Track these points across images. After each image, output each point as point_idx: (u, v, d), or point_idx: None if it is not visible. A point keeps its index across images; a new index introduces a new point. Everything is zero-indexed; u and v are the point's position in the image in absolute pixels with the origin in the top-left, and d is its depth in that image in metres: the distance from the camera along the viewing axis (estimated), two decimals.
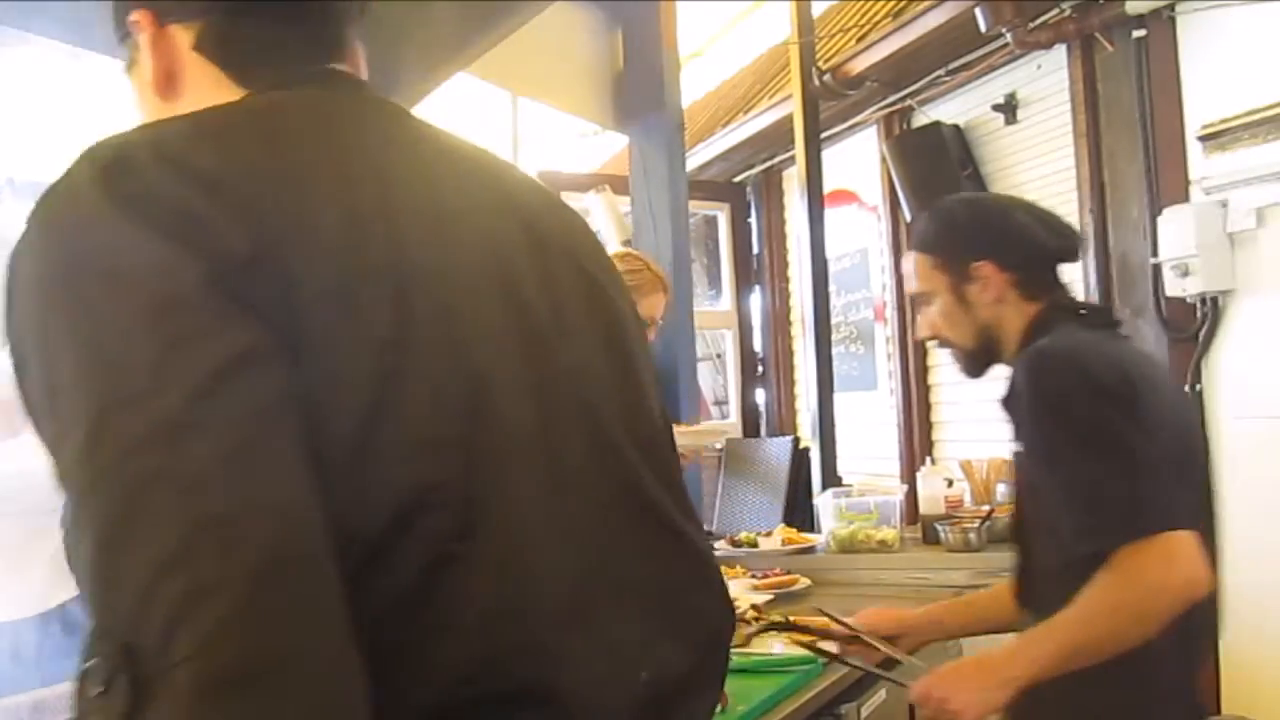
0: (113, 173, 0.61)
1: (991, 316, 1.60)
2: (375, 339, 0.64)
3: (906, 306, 4.40)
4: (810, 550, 2.82)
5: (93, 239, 0.60)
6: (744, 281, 5.47)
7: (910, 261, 1.69)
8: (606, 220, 4.24)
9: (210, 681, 0.51)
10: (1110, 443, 1.37)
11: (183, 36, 0.78)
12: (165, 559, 0.53)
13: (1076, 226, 3.40)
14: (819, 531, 3.16)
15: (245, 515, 0.55)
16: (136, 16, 0.79)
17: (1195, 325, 3.04)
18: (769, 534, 2.95)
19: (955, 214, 1.69)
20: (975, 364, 1.67)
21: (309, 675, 0.55)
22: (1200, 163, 3.01)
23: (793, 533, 2.95)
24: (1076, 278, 3.44)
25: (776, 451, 4.72)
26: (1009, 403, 1.49)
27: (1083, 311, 1.60)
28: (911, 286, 1.70)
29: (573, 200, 4.59)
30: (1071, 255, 1.64)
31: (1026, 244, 1.60)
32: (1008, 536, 1.69)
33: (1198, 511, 1.45)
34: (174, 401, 0.56)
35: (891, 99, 4.25)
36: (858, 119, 4.49)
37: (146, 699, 0.51)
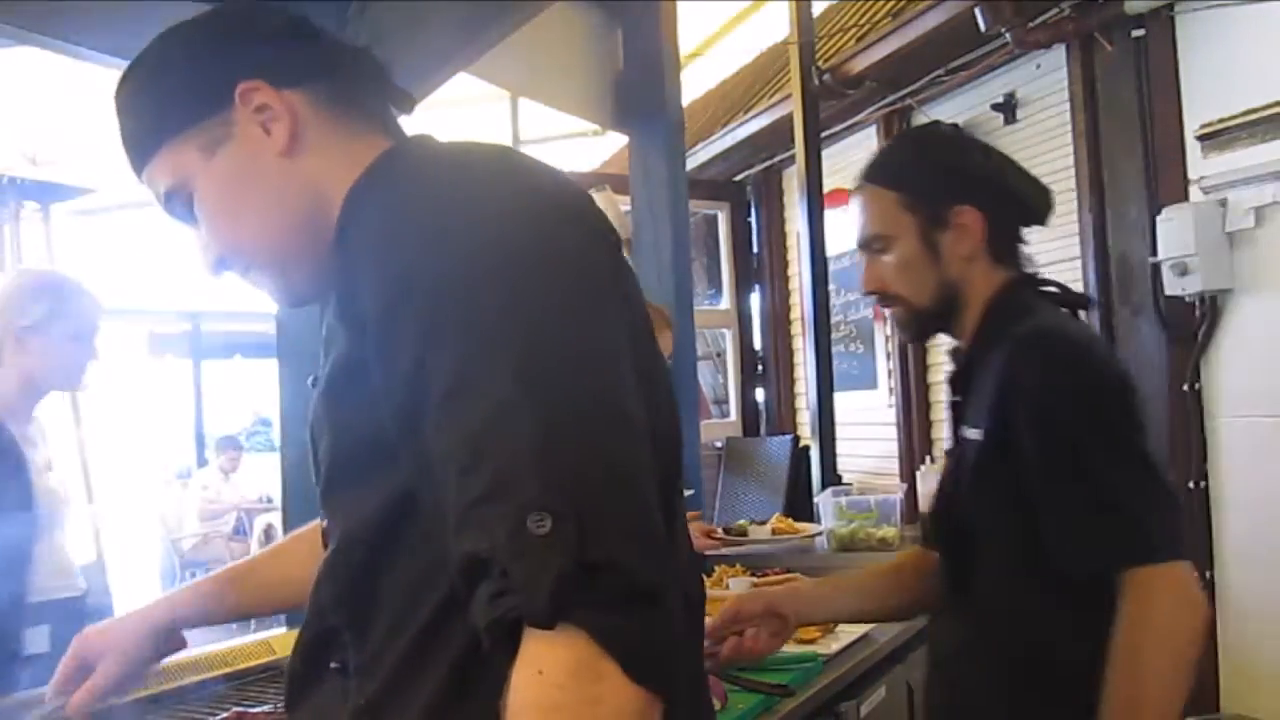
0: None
1: (959, 274, 1.34)
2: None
3: None
4: (811, 540, 2.82)
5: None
6: (744, 281, 5.48)
7: (865, 197, 1.40)
8: None
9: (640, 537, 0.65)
10: (1132, 452, 1.22)
11: (298, 98, 0.85)
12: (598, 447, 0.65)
13: (1075, 225, 3.44)
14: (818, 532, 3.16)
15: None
16: (249, 86, 0.83)
17: (1194, 324, 3.05)
18: (763, 523, 2.95)
19: (934, 146, 1.43)
20: (923, 328, 1.43)
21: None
22: (1199, 162, 3.02)
23: (788, 522, 2.94)
24: (1075, 276, 3.44)
25: (776, 450, 4.73)
26: (981, 385, 1.31)
27: (1050, 289, 1.39)
28: (864, 229, 1.40)
29: None
30: (1043, 216, 1.42)
31: (1010, 193, 1.37)
32: (929, 535, 1.48)
33: None
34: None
35: (891, 98, 4.26)
36: (857, 118, 4.49)
37: (591, 539, 0.61)
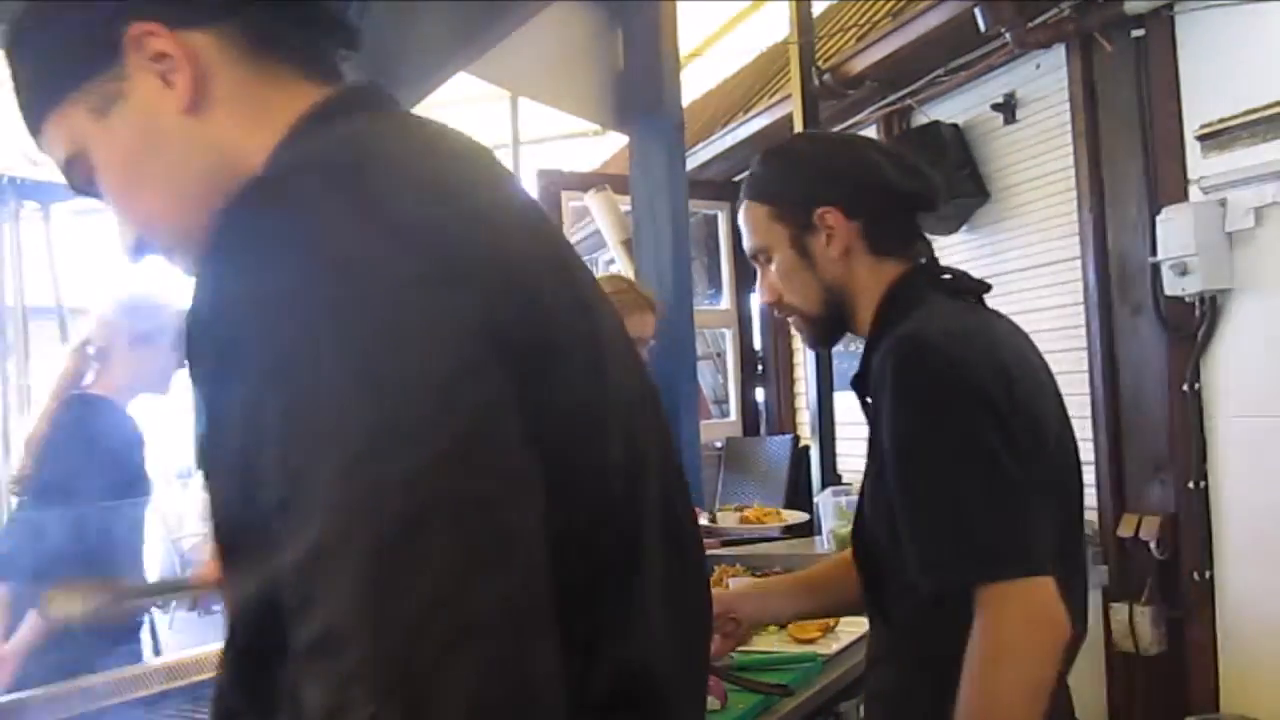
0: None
1: (839, 275, 1.35)
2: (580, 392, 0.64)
3: None
4: (804, 527, 2.80)
5: None
6: (744, 280, 5.47)
7: (743, 212, 1.43)
8: (606, 220, 4.24)
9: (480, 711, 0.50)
10: (979, 463, 1.16)
11: (203, 41, 0.70)
12: (441, 593, 0.51)
13: (1075, 225, 3.44)
14: (819, 531, 3.16)
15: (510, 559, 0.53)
16: (142, 29, 0.69)
17: (1194, 324, 3.05)
18: (737, 509, 2.93)
19: (793, 154, 1.44)
20: (822, 334, 1.43)
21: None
22: (1199, 162, 3.02)
23: (758, 511, 2.92)
24: (1075, 276, 3.44)
25: (776, 450, 4.73)
26: (865, 389, 1.33)
27: (946, 276, 1.37)
28: (746, 243, 1.43)
29: (573, 200, 4.59)
30: (927, 203, 1.39)
31: (876, 186, 1.35)
32: (850, 537, 1.47)
33: (1068, 549, 1.28)
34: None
35: (891, 98, 4.26)
36: (857, 118, 4.49)
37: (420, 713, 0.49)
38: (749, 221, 1.42)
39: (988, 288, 1.39)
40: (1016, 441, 1.18)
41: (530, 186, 4.88)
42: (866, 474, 1.38)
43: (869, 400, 1.34)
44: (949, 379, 1.20)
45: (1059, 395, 1.35)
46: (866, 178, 1.36)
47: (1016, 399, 1.20)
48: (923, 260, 1.38)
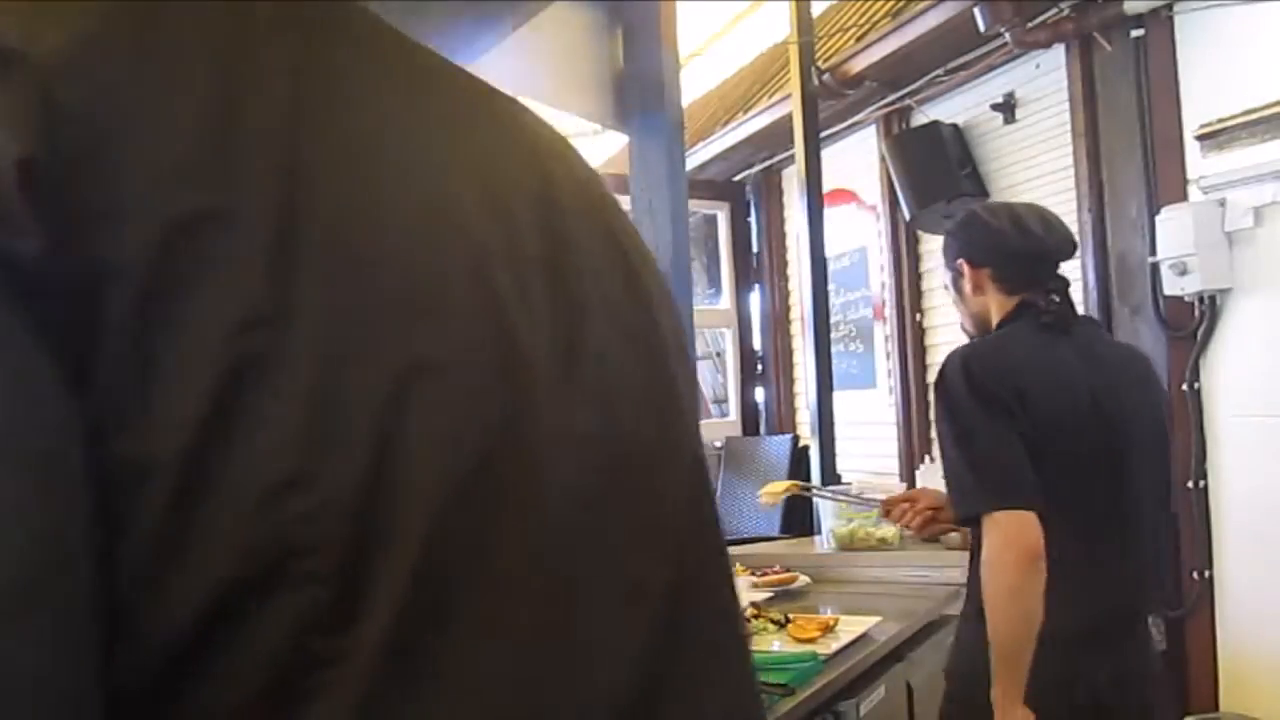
0: None
1: (979, 307, 1.93)
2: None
3: (905, 305, 4.41)
4: (811, 541, 2.81)
5: None
6: (743, 280, 5.48)
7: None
8: None
9: None
10: (967, 433, 1.70)
11: None
12: None
13: (1075, 225, 3.44)
14: (819, 531, 3.16)
15: None
16: None
17: (1193, 324, 3.05)
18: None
19: (952, 224, 2.05)
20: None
21: None
22: (1198, 162, 3.02)
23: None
24: (1075, 276, 3.44)
25: (776, 449, 4.74)
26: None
27: (1045, 309, 1.84)
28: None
29: None
30: (1047, 254, 1.88)
31: (996, 245, 1.89)
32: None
33: (1085, 500, 1.74)
34: None
35: (890, 98, 4.26)
36: (857, 118, 4.50)
37: None
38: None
39: (1070, 323, 1.85)
40: (1005, 419, 1.68)
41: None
42: None
43: None
44: (956, 375, 1.74)
45: (1132, 416, 1.81)
46: (985, 237, 1.91)
47: (1027, 398, 1.70)
48: (1034, 295, 1.85)
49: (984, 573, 1.65)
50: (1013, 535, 1.61)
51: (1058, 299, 1.85)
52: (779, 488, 2.60)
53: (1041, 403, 1.70)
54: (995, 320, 1.87)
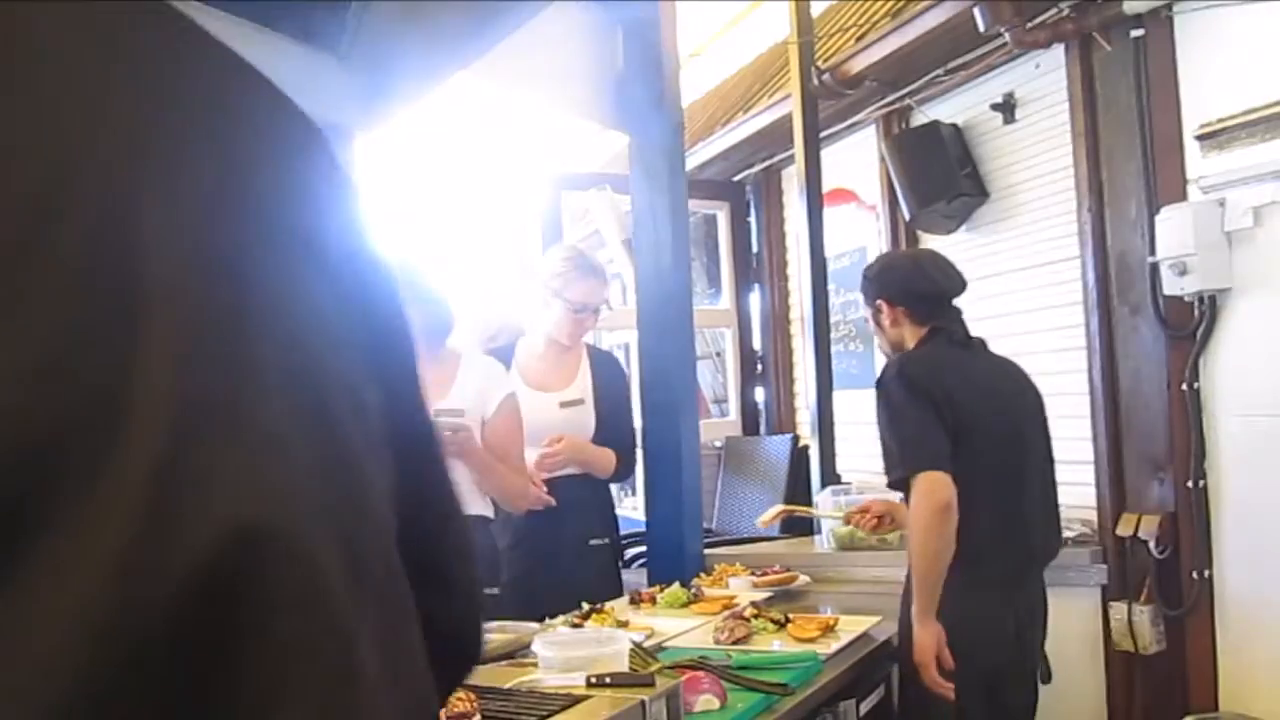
0: None
1: (896, 336, 2.45)
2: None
3: None
4: (804, 526, 2.82)
5: None
6: (743, 280, 5.48)
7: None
8: (606, 220, 4.25)
9: None
10: (899, 418, 2.25)
11: None
12: None
13: (1075, 225, 3.44)
14: (818, 531, 3.17)
15: None
16: None
17: (1193, 324, 3.05)
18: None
19: (868, 270, 2.58)
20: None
21: None
22: (1198, 162, 3.02)
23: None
24: (1075, 275, 3.45)
25: (776, 449, 4.74)
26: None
27: (952, 333, 2.41)
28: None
29: (572, 200, 4.59)
30: (945, 294, 2.44)
31: (907, 288, 2.44)
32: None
33: (999, 471, 2.28)
34: None
35: (890, 98, 4.26)
36: (856, 118, 4.49)
37: None
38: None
39: (971, 341, 2.46)
40: (930, 406, 2.23)
41: (532, 187, 4.89)
42: None
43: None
44: (896, 381, 2.30)
45: (1021, 406, 2.45)
46: (901, 281, 2.46)
47: (953, 398, 2.26)
48: (941, 324, 2.41)
49: (909, 519, 2.20)
50: (929, 489, 2.13)
51: (958, 326, 2.42)
52: (769, 515, 3.01)
53: (964, 400, 2.27)
54: (910, 344, 2.41)
